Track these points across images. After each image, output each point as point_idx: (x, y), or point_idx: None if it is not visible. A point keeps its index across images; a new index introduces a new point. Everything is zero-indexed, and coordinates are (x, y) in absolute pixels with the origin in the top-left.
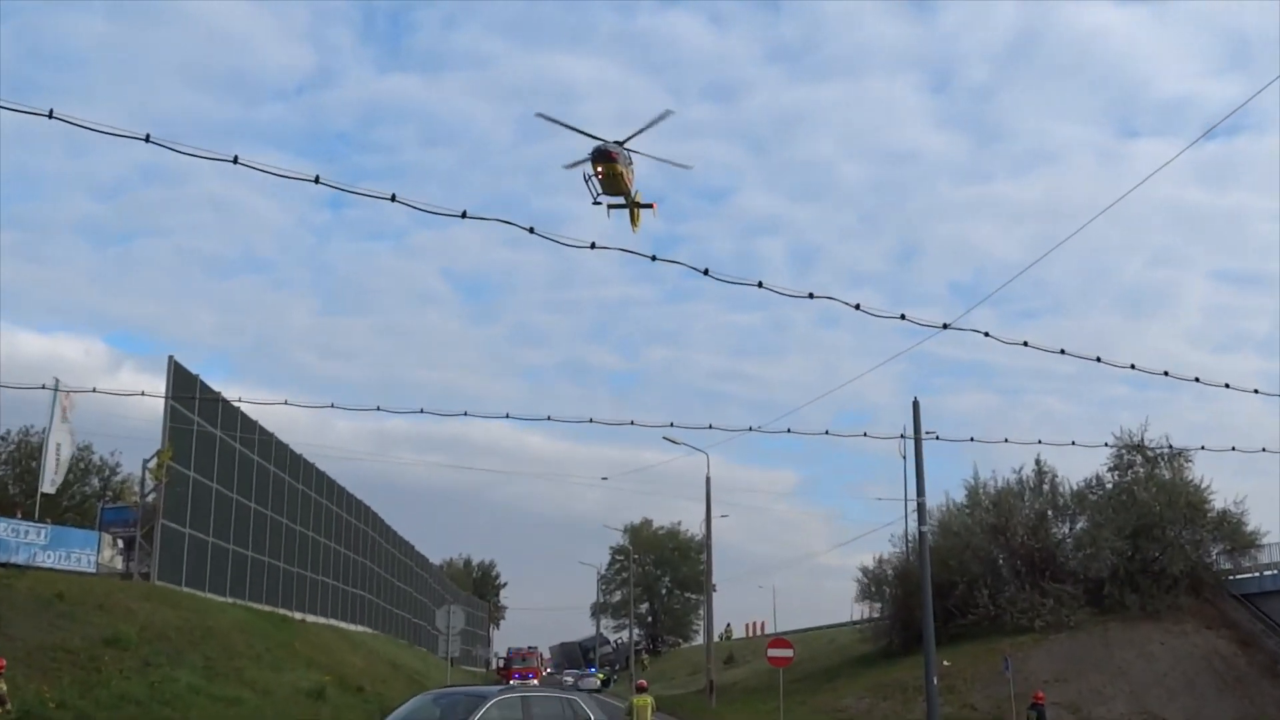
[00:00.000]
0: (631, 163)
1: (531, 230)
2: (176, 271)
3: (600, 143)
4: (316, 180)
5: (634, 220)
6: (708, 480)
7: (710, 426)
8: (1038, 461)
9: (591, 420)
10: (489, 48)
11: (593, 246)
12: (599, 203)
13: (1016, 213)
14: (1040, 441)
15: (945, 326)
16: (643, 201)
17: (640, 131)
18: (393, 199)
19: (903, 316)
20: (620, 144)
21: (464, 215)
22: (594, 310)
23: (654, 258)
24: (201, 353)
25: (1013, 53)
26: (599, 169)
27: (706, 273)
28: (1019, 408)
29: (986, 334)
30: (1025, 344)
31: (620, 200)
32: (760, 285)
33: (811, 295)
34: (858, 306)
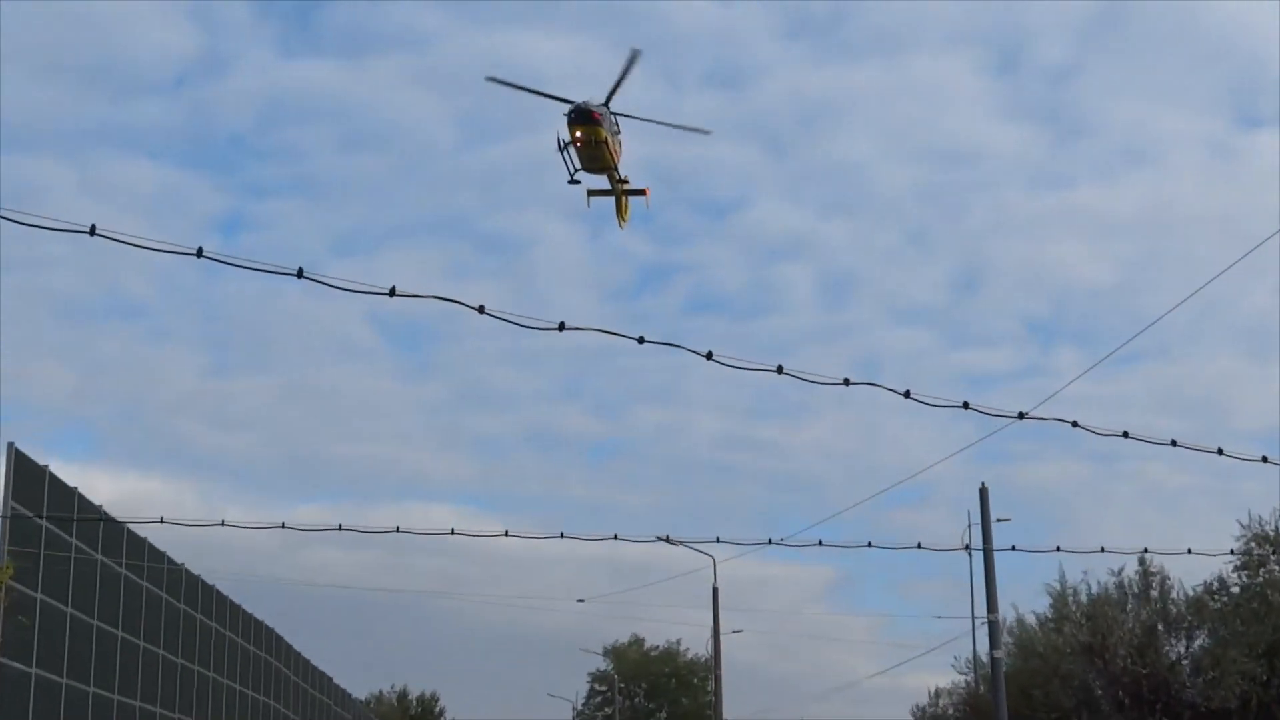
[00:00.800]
0: (619, 131)
1: (481, 310)
2: (20, 318)
3: (579, 101)
4: (199, 254)
5: (621, 211)
6: (714, 591)
7: (718, 540)
8: (1142, 560)
9: (563, 535)
10: (426, 23)
11: (561, 328)
12: (576, 181)
13: (1107, 226)
14: (1146, 550)
15: (1021, 416)
16: (632, 187)
17: (617, 86)
18: (299, 275)
19: (966, 405)
20: (607, 106)
21: (392, 293)
22: (565, 361)
23: (641, 339)
24: (54, 424)
25: (1098, 22)
26: (578, 134)
27: (710, 356)
28: (1116, 478)
29: (1075, 424)
30: (1126, 435)
31: (603, 184)
32: (780, 370)
33: (847, 382)
34: (907, 394)
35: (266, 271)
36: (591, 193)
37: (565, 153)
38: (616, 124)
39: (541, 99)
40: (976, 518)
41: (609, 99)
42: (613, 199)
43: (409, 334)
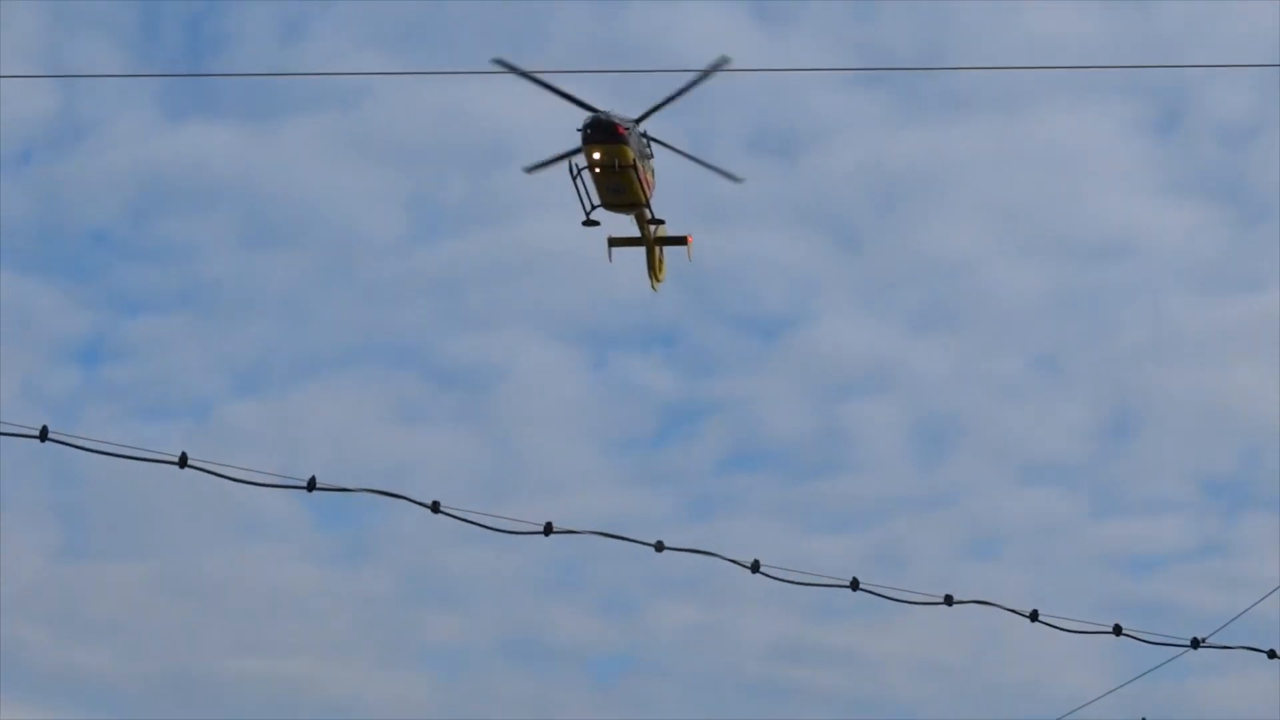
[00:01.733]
0: (652, 156)
1: (436, 508)
2: None
3: (599, 111)
4: (43, 436)
5: (655, 268)
6: None
7: None
8: None
9: None
10: (362, 70)
11: (548, 531)
12: (593, 223)
13: None
14: None
15: (1197, 644)
16: (669, 234)
17: (666, 102)
18: (182, 464)
19: (1118, 631)
20: (636, 121)
21: (311, 487)
22: (558, 541)
23: (660, 545)
24: None
25: None
26: (595, 156)
27: (756, 568)
28: None
29: (1272, 653)
30: None
31: (632, 231)
32: (855, 585)
33: (950, 600)
34: (1034, 616)
35: (135, 459)
36: (614, 241)
37: (579, 181)
38: (649, 145)
39: (553, 100)
40: None
41: (644, 116)
42: (643, 250)
43: (339, 502)
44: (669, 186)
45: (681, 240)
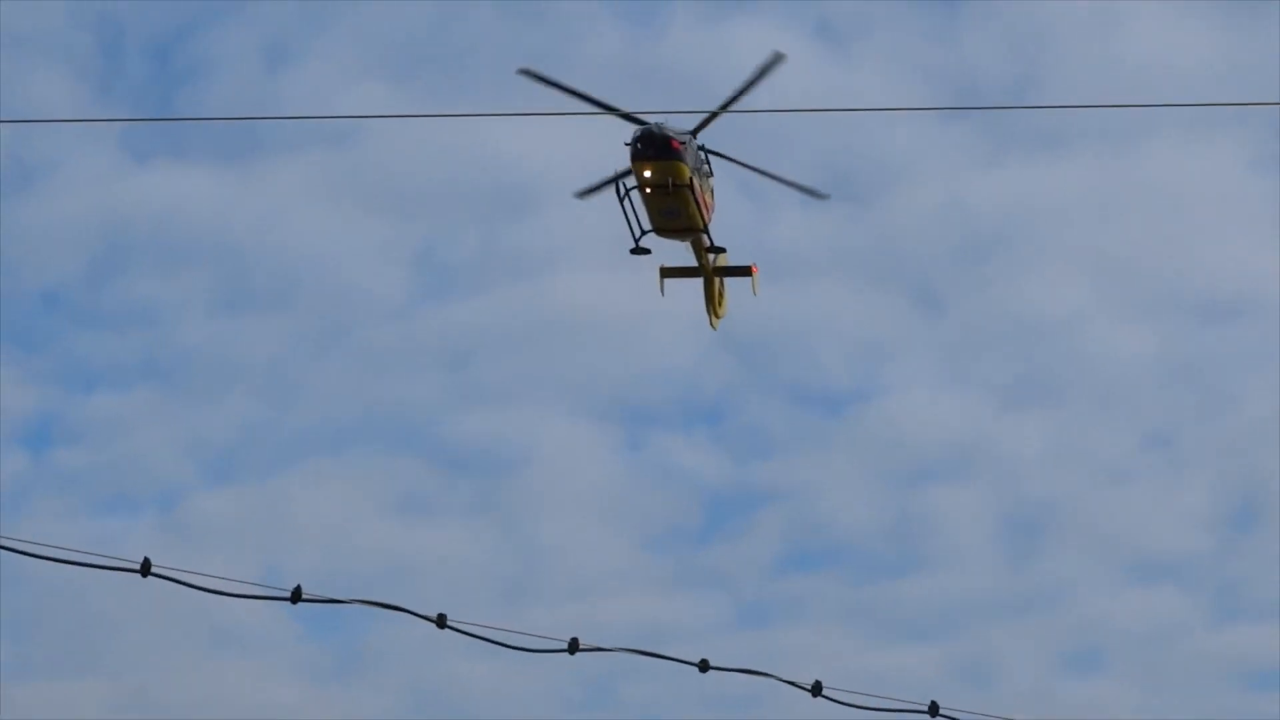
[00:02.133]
0: (711, 174)
1: (442, 622)
2: None
3: (650, 123)
4: None
5: (714, 302)
6: None
7: None
8: None
9: None
10: (358, 104)
11: (573, 649)
12: (643, 250)
13: None
14: None
15: None
16: (730, 263)
17: (738, 96)
18: (145, 572)
19: None
20: (692, 133)
21: (296, 598)
22: (584, 657)
23: (705, 665)
24: None
25: None
26: (646, 174)
27: (818, 691)
28: None
29: None
30: None
31: (687, 260)
32: (935, 710)
33: None
34: None
35: (90, 566)
36: (667, 272)
37: (627, 203)
38: (707, 162)
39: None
40: None
41: (702, 125)
42: (699, 282)
43: (330, 611)
44: (721, 224)
45: (745, 270)
